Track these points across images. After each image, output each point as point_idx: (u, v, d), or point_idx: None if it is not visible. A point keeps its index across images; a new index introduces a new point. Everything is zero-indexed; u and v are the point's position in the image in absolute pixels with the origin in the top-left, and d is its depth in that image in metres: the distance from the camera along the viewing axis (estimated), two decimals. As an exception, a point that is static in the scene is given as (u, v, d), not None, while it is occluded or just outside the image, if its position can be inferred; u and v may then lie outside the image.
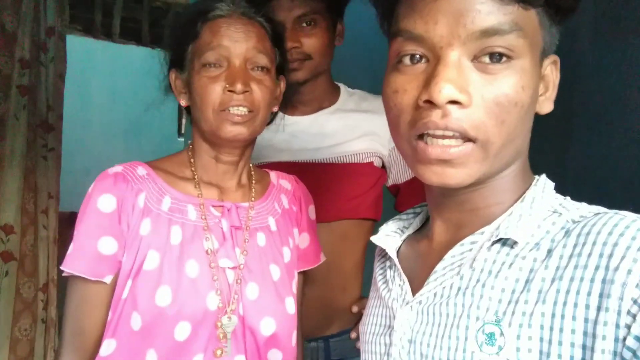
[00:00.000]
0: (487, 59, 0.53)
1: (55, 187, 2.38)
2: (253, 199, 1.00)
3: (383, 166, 1.36)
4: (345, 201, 1.30)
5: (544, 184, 0.61)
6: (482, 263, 0.57)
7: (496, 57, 0.53)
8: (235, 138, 0.90)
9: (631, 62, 1.44)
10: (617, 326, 0.46)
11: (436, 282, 0.60)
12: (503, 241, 0.57)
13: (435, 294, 0.60)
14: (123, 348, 0.86)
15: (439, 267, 0.60)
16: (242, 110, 0.89)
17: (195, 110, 0.93)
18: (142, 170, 0.93)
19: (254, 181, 1.03)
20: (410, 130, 0.56)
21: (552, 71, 0.60)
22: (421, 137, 0.55)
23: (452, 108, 0.52)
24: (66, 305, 0.90)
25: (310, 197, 1.12)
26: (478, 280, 0.56)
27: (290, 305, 0.96)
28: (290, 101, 1.33)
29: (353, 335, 1.26)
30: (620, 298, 0.46)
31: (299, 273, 1.04)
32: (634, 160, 1.47)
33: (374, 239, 0.72)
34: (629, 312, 0.45)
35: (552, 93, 0.60)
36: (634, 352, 0.45)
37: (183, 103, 0.97)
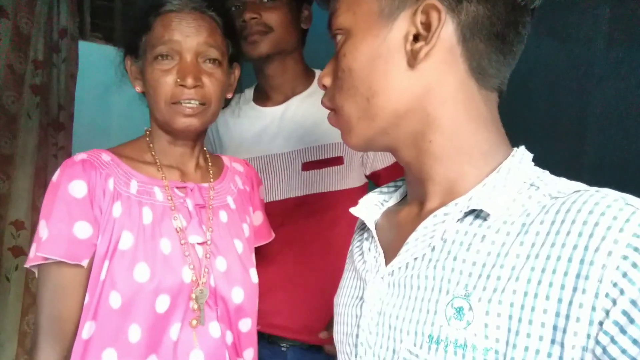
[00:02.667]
0: None
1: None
2: (212, 179, 1.05)
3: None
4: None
5: (521, 156, 0.58)
6: (454, 235, 0.55)
7: None
8: (187, 129, 0.95)
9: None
10: (594, 309, 0.44)
11: (407, 253, 0.58)
12: (476, 213, 0.55)
13: (406, 266, 0.58)
14: (103, 328, 0.88)
15: (411, 238, 0.59)
16: (194, 103, 0.93)
17: (149, 99, 0.97)
18: (106, 156, 0.96)
19: (210, 164, 1.08)
20: None
21: None
22: None
23: None
24: (40, 293, 0.91)
25: (259, 178, 1.19)
26: (449, 253, 0.55)
27: (254, 275, 1.03)
28: (262, 89, 1.37)
29: (323, 334, 1.25)
30: (600, 280, 0.44)
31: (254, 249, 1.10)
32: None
33: (352, 210, 0.70)
34: (607, 295, 0.44)
35: None
36: (611, 338, 0.43)
37: (138, 89, 1.01)
